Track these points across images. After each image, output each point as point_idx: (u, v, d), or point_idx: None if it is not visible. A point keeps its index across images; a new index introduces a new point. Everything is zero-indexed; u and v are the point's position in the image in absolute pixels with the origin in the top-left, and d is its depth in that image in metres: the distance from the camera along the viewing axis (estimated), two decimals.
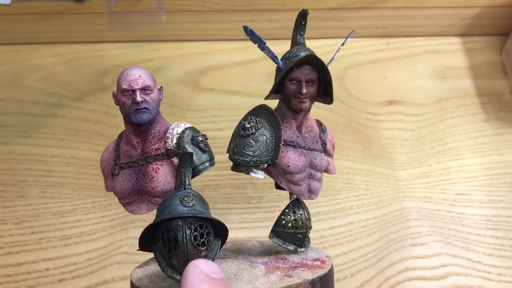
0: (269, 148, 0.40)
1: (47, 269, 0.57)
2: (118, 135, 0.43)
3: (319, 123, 0.45)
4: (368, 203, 0.62)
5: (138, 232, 0.61)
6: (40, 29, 0.72)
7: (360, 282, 0.58)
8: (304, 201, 0.43)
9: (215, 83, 0.71)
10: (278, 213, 0.42)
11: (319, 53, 0.80)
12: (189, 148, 0.39)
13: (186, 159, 0.36)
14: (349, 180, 0.64)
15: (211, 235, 0.35)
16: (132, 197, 0.41)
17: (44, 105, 0.68)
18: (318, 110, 0.69)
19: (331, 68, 0.71)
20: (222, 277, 0.28)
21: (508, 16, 0.75)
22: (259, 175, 0.40)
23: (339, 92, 0.71)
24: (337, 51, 0.41)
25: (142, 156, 0.41)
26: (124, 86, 0.39)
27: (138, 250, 0.36)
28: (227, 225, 0.36)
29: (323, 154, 0.43)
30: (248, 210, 0.62)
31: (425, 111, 0.70)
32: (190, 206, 0.34)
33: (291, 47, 0.42)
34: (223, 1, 0.71)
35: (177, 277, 0.34)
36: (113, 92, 0.41)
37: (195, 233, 0.33)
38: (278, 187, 0.42)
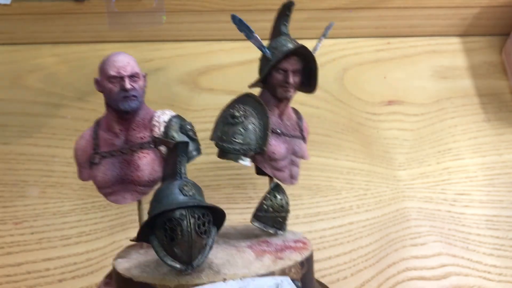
0: (258, 136, 0.41)
1: (47, 269, 0.57)
2: (95, 122, 0.42)
3: (296, 111, 0.46)
4: (368, 203, 0.62)
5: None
6: (40, 29, 0.72)
7: (360, 282, 0.58)
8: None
9: (215, 83, 0.71)
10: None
11: (319, 53, 0.80)
12: (178, 137, 0.40)
13: (182, 148, 0.35)
14: (349, 180, 0.64)
15: (211, 223, 0.35)
16: (115, 187, 0.40)
17: (44, 105, 0.68)
18: (318, 110, 0.69)
19: (331, 67, 0.71)
20: None
21: (508, 16, 0.75)
22: (247, 162, 0.41)
23: (339, 92, 0.71)
24: (320, 41, 0.43)
25: (126, 144, 0.40)
26: (112, 73, 0.39)
27: (131, 240, 0.36)
28: None
29: (302, 141, 0.45)
30: (248, 210, 0.61)
31: (425, 111, 0.70)
32: (190, 195, 0.34)
33: (273, 37, 0.43)
34: (223, 1, 0.71)
35: (178, 265, 0.34)
36: (96, 79, 0.40)
37: (199, 222, 0.33)
38: (259, 172, 0.44)
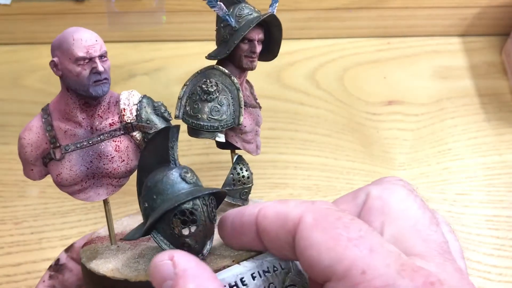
0: (231, 111, 0.39)
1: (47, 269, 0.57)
2: (43, 111, 0.37)
3: (246, 80, 0.45)
4: None
5: None
6: (40, 29, 0.72)
7: None
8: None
9: None
10: None
11: (319, 53, 0.80)
12: (155, 119, 0.36)
13: (174, 133, 0.32)
14: (349, 180, 0.64)
15: (216, 206, 0.33)
16: (85, 183, 0.35)
17: (44, 105, 0.68)
18: (318, 110, 0.69)
19: (331, 67, 0.71)
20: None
21: (508, 16, 0.75)
22: (222, 138, 0.39)
23: (339, 92, 0.71)
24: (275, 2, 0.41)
25: (92, 134, 0.35)
26: (81, 54, 0.33)
27: (122, 240, 0.33)
28: None
29: (259, 109, 0.44)
30: None
31: (425, 111, 0.70)
32: (193, 182, 0.31)
33: (225, 2, 0.41)
34: None
35: None
36: (53, 61, 0.34)
37: (210, 209, 0.31)
38: (221, 147, 0.42)
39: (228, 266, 0.30)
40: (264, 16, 0.39)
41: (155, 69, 0.72)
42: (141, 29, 0.72)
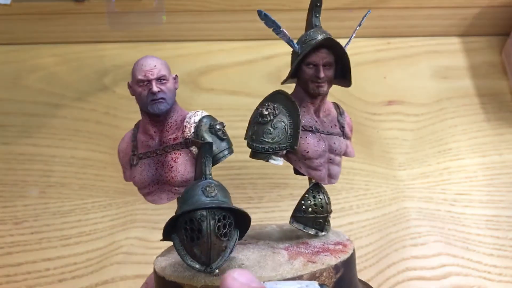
0: (288, 134, 0.39)
1: (47, 269, 0.57)
2: (135, 125, 0.43)
3: (337, 106, 0.45)
4: (368, 203, 0.62)
5: (138, 232, 0.61)
6: (40, 29, 0.72)
7: None
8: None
9: (215, 83, 0.71)
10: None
11: None
12: (208, 137, 0.40)
13: (206, 148, 0.36)
14: (349, 180, 0.64)
15: (233, 225, 0.35)
16: (152, 187, 0.41)
17: (44, 105, 0.68)
18: None
19: None
20: (261, 285, 0.28)
21: (508, 16, 0.75)
22: (279, 161, 0.40)
23: (339, 92, 0.71)
24: (354, 31, 0.42)
25: (160, 146, 0.41)
26: (140, 77, 0.39)
27: (161, 240, 0.36)
28: None
29: (341, 137, 0.43)
30: (248, 210, 0.61)
31: (425, 111, 0.70)
32: (212, 196, 0.34)
33: (306, 29, 0.42)
34: (223, 1, 0.71)
35: (197, 266, 0.34)
36: (128, 83, 0.41)
37: (219, 224, 0.33)
38: (297, 172, 0.42)
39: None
40: (319, 40, 0.39)
41: None
42: (141, 29, 0.72)
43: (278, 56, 0.71)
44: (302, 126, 0.40)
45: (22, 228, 0.59)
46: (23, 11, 0.70)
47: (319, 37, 0.39)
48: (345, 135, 0.44)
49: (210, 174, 0.36)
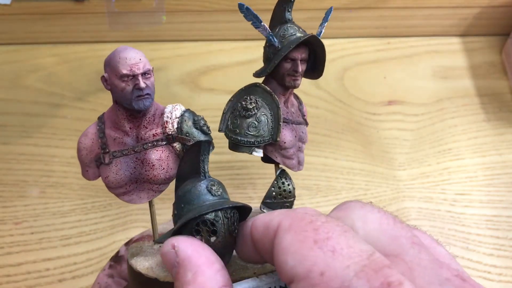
0: (269, 127, 0.40)
1: (47, 269, 0.57)
2: (99, 119, 0.40)
3: (296, 96, 0.46)
4: None
5: (138, 232, 0.61)
6: (40, 29, 0.72)
7: None
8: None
9: (215, 83, 0.71)
10: None
11: None
12: (195, 132, 0.39)
13: (205, 146, 0.34)
14: (349, 180, 0.64)
15: (238, 220, 0.34)
16: (129, 186, 0.39)
17: (44, 105, 0.68)
18: (318, 110, 0.69)
19: (331, 67, 0.71)
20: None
21: (508, 16, 0.75)
22: (260, 153, 0.41)
23: (339, 92, 0.71)
24: (322, 27, 0.42)
25: (137, 142, 0.39)
26: (125, 71, 0.37)
27: (156, 242, 0.36)
28: None
29: (305, 126, 0.45)
30: None
31: (425, 111, 0.70)
32: (219, 195, 0.33)
33: (274, 24, 0.42)
34: (223, 1, 0.71)
35: None
36: (103, 76, 0.38)
37: (231, 222, 0.32)
38: (265, 160, 0.43)
39: (245, 278, 0.32)
40: (305, 37, 0.40)
41: (155, 69, 0.71)
42: (141, 29, 0.72)
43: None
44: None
45: (22, 228, 0.59)
46: (23, 11, 0.70)
47: (298, 34, 0.41)
48: (307, 123, 0.45)
49: (208, 172, 0.35)
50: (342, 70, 0.73)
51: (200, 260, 0.26)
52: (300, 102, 0.46)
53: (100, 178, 0.40)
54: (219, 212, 0.32)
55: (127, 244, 0.47)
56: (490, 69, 0.74)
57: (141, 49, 0.81)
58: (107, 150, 0.39)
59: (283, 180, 0.43)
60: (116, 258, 0.46)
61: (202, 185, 0.33)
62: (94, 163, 0.40)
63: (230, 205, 0.32)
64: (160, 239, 0.34)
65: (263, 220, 0.28)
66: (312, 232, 0.24)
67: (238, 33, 0.74)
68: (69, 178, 0.62)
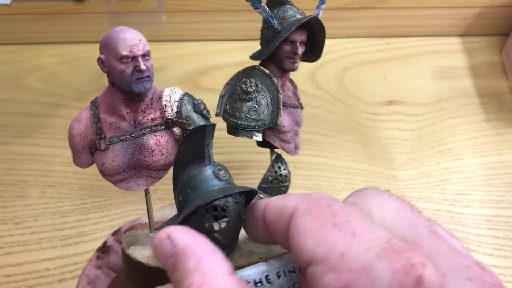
0: (270, 111, 0.40)
1: (47, 269, 0.57)
2: (92, 103, 0.38)
3: (291, 80, 0.45)
4: None
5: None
6: (40, 29, 0.72)
7: None
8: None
9: (215, 83, 0.71)
10: None
11: None
12: (195, 116, 0.38)
13: (210, 131, 0.33)
14: (349, 180, 0.64)
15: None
16: (126, 173, 0.38)
17: (44, 105, 0.68)
18: (318, 110, 0.69)
19: (331, 67, 0.71)
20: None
21: (508, 16, 0.75)
22: (260, 137, 0.40)
23: (339, 92, 0.71)
24: (320, 9, 0.41)
25: (135, 127, 0.37)
26: (125, 53, 0.35)
27: (156, 229, 0.34)
28: None
29: (301, 110, 0.44)
30: None
31: (425, 111, 0.70)
32: (226, 179, 0.32)
33: (272, 5, 0.41)
34: (223, 1, 0.71)
35: None
36: (100, 58, 0.36)
37: (240, 206, 0.32)
38: (261, 145, 0.43)
39: (255, 263, 0.31)
40: (306, 19, 0.39)
41: (155, 69, 0.71)
42: (141, 29, 0.72)
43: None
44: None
45: (22, 228, 0.59)
46: (23, 11, 0.70)
47: (298, 15, 0.40)
48: (302, 107, 0.45)
49: (212, 157, 0.34)
50: (342, 70, 0.73)
51: (202, 249, 0.26)
52: (295, 86, 0.45)
53: (95, 165, 0.38)
54: (229, 197, 0.31)
55: (114, 234, 0.46)
56: (490, 69, 0.74)
57: None
58: (103, 136, 0.37)
59: (279, 164, 0.42)
60: (104, 249, 0.45)
61: (209, 170, 0.32)
62: (87, 150, 0.38)
63: (241, 190, 0.31)
64: (162, 226, 0.33)
65: (277, 204, 0.28)
66: (331, 216, 0.24)
67: (238, 33, 0.74)
68: (69, 178, 0.62)
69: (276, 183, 0.42)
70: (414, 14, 0.74)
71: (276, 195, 0.41)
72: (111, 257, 0.44)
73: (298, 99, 0.45)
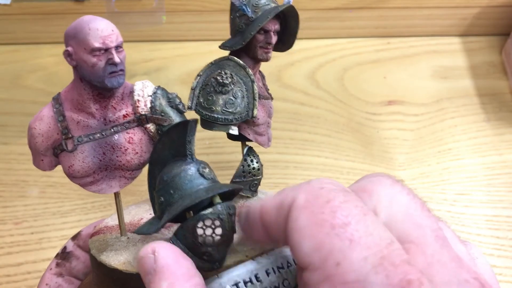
0: (245, 103, 0.38)
1: None
2: (54, 101, 0.36)
3: (259, 71, 0.44)
4: None
5: None
6: (40, 29, 0.72)
7: None
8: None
9: None
10: None
11: (319, 53, 0.80)
12: (170, 112, 0.35)
13: (192, 127, 0.31)
14: (349, 180, 0.63)
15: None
16: (97, 175, 0.35)
17: (44, 105, 0.68)
18: (318, 110, 0.69)
19: (331, 67, 0.71)
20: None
21: (508, 16, 0.75)
22: (236, 131, 0.38)
23: (339, 92, 0.71)
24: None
25: (105, 125, 0.34)
26: (97, 44, 0.32)
27: (134, 233, 0.32)
28: None
29: (271, 101, 0.43)
30: None
31: (425, 111, 0.70)
32: (211, 178, 0.30)
33: None
34: (223, 1, 0.71)
35: (207, 264, 0.29)
36: (67, 50, 0.34)
37: (233, 218, 0.29)
38: (232, 139, 0.41)
39: (242, 261, 0.30)
40: (283, 7, 0.38)
41: (155, 69, 0.72)
42: (141, 29, 0.72)
43: (278, 55, 0.70)
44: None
45: (22, 228, 0.59)
46: (23, 11, 0.70)
47: (272, 4, 0.39)
48: (272, 98, 0.43)
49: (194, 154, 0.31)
50: (342, 70, 0.73)
51: (179, 271, 0.25)
52: (263, 76, 0.44)
53: (60, 167, 0.35)
54: (220, 206, 0.29)
55: (74, 238, 0.43)
56: (490, 69, 0.74)
57: (141, 49, 0.82)
58: (70, 136, 0.34)
59: (252, 157, 0.41)
60: (63, 255, 0.42)
61: (193, 168, 0.30)
62: (51, 151, 0.35)
63: (229, 189, 0.30)
64: (144, 230, 0.30)
65: (273, 202, 0.26)
66: (330, 215, 0.23)
67: None
68: None
69: (249, 177, 0.40)
70: (414, 14, 0.74)
71: (250, 188, 0.41)
72: (73, 264, 0.42)
73: (267, 89, 0.43)
